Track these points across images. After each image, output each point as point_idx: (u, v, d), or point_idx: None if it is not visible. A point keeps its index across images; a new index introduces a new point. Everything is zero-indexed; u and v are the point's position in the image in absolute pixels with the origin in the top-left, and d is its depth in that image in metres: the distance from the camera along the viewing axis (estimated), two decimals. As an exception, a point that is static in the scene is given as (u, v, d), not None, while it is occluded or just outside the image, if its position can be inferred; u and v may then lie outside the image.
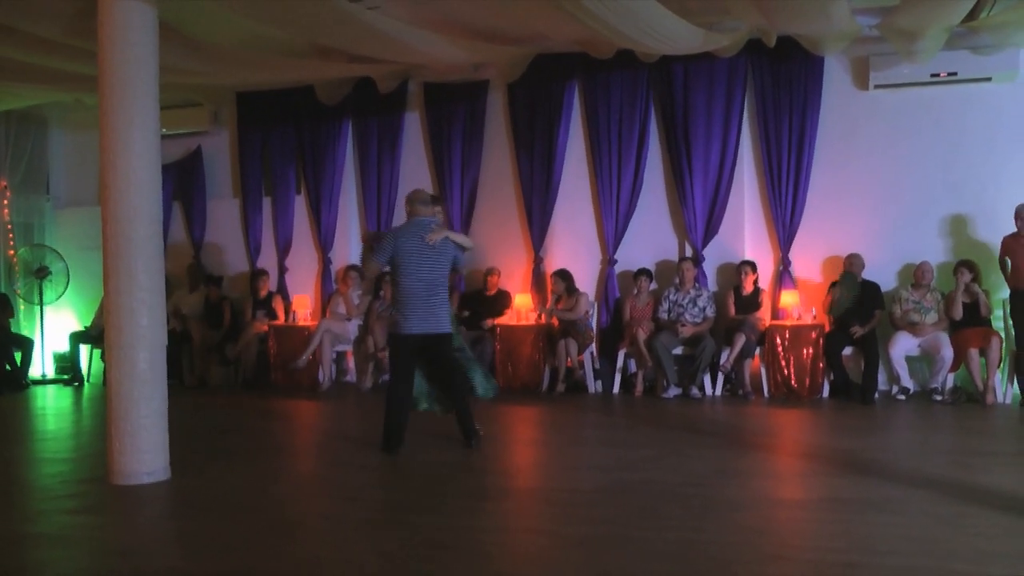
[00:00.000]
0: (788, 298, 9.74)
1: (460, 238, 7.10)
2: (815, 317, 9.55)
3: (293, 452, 7.48)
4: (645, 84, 10.30)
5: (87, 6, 6.60)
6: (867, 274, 9.45)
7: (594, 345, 10.18)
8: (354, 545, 4.55)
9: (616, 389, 9.97)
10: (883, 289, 9.48)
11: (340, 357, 11.10)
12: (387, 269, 6.96)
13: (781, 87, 9.91)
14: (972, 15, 8.41)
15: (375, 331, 10.38)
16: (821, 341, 9.24)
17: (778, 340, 9.35)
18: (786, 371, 9.32)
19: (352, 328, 10.80)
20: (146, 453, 6.01)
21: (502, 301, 10.56)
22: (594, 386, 10.04)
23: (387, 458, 6.73)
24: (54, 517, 5.45)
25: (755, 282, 9.75)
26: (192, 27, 8.18)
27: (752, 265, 9.74)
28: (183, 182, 12.21)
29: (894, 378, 9.20)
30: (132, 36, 6.00)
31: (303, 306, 11.27)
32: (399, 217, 11.17)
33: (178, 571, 4.25)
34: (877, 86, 9.72)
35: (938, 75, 9.49)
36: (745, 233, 10.13)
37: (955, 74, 9.46)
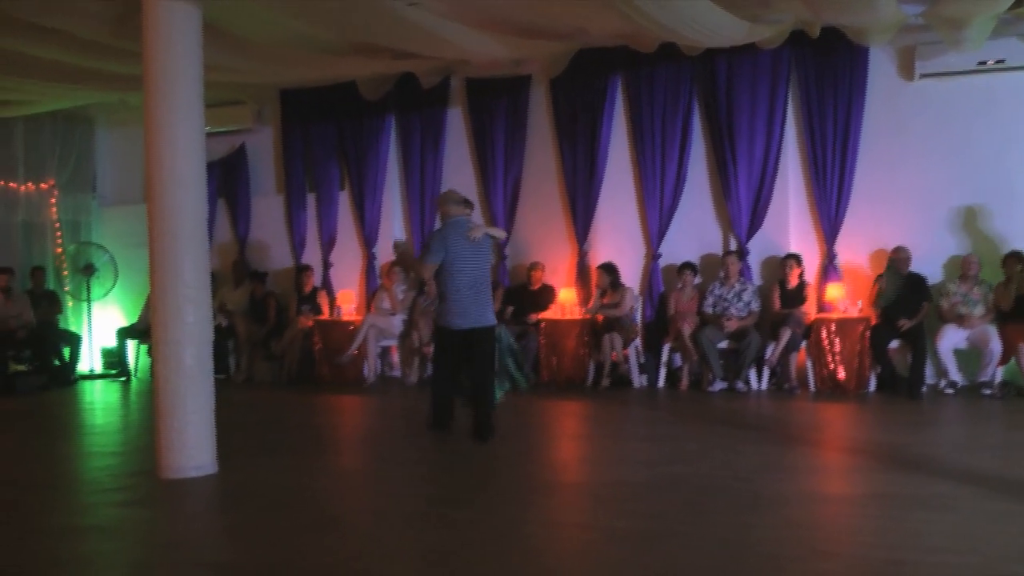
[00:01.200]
0: (834, 291, 9.63)
1: (494, 231, 7.48)
2: (861, 310, 9.44)
3: (338, 447, 7.52)
4: (688, 78, 10.23)
5: (131, 8, 6.67)
6: (914, 266, 9.32)
7: (639, 339, 10.14)
8: (399, 540, 4.57)
9: (661, 383, 9.92)
10: (930, 282, 9.34)
11: (385, 352, 11.13)
12: None
13: (825, 78, 9.79)
14: (1020, 2, 8.25)
15: (420, 326, 10.40)
16: (867, 335, 9.13)
17: (824, 334, 9.25)
18: (832, 365, 9.22)
19: (397, 323, 10.82)
20: (193, 448, 6.07)
21: (546, 296, 10.53)
22: (639, 380, 10.00)
23: (435, 438, 6.96)
24: (104, 510, 5.53)
25: (800, 276, 9.65)
26: (235, 26, 8.23)
27: (797, 258, 9.64)
28: (227, 179, 12.30)
29: (942, 372, 9.09)
30: (176, 36, 6.05)
31: (347, 301, 11.32)
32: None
33: (226, 564, 4.29)
34: (923, 75, 9.57)
35: (985, 63, 9.32)
36: (790, 226, 10.04)
37: (1003, 62, 9.29)
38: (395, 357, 11.25)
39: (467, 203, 7.34)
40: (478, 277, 7.06)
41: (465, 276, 7.00)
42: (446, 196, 7.34)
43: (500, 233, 7.62)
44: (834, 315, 9.42)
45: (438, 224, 7.46)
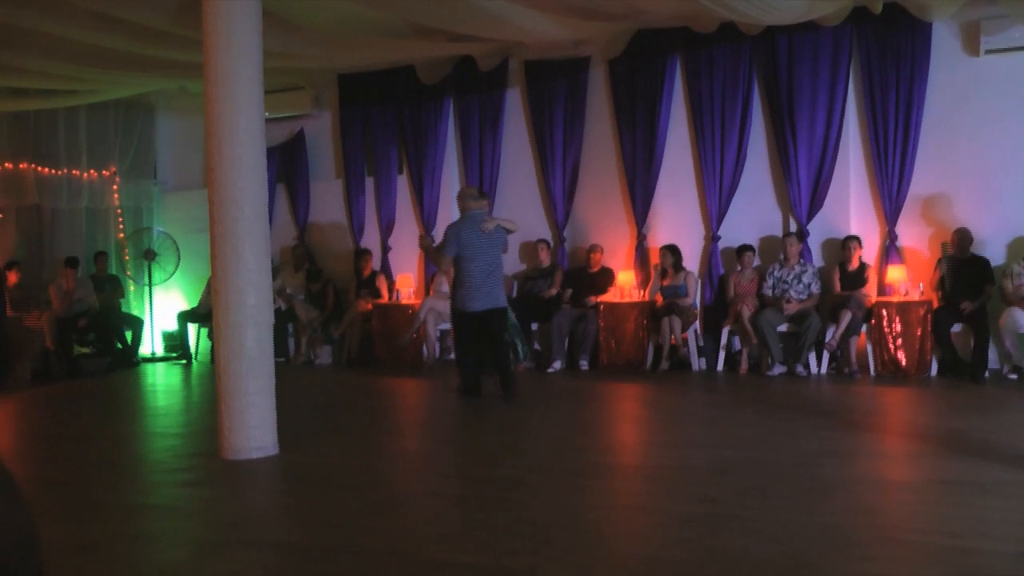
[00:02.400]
0: (895, 273, 9.49)
1: (506, 222, 8.29)
2: (923, 293, 9.29)
3: (397, 429, 7.58)
4: (748, 57, 10.12)
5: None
6: (977, 248, 9.17)
7: (698, 322, 10.09)
8: (459, 522, 4.59)
9: (720, 367, 9.87)
10: (993, 263, 9.16)
11: (443, 335, 11.18)
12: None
13: (888, 55, 9.63)
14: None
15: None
16: (929, 318, 9.00)
17: (885, 317, 9.14)
18: (893, 349, 9.11)
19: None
20: (255, 429, 6.14)
21: (605, 278, 10.51)
22: (698, 364, 9.96)
23: (495, 421, 7.01)
24: (167, 489, 5.63)
25: (861, 257, 9.52)
26: (294, 12, 8.29)
27: (858, 240, 9.51)
28: (286, 164, 12.40)
29: (1005, 356, 8.92)
30: (237, 23, 6.10)
31: (406, 285, 11.38)
32: (501, 194, 11.31)
33: (289, 544, 4.34)
34: (988, 51, 9.37)
35: (1054, 38, 9.10)
36: (850, 207, 9.91)
37: (1072, 36, 9.06)
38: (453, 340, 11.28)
39: (483, 196, 8.39)
40: (491, 264, 8.02)
41: (479, 264, 7.95)
42: (463, 192, 8.45)
43: (512, 226, 8.34)
44: (895, 298, 9.29)
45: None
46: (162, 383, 10.58)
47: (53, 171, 12.12)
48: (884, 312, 9.16)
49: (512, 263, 11.18)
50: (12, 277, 11.33)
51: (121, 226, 12.94)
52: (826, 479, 5.18)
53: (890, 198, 9.67)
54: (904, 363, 9.06)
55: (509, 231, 8.28)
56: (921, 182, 9.63)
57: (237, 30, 6.09)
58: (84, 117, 12.39)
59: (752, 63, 10.15)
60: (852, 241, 9.50)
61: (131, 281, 12.83)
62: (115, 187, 12.79)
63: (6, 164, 11.56)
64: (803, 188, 9.93)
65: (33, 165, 11.90)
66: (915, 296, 9.24)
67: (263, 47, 6.31)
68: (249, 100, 6.17)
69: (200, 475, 5.90)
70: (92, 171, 12.53)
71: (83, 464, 6.30)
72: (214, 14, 6.09)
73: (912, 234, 9.73)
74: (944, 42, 9.58)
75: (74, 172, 12.32)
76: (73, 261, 11.47)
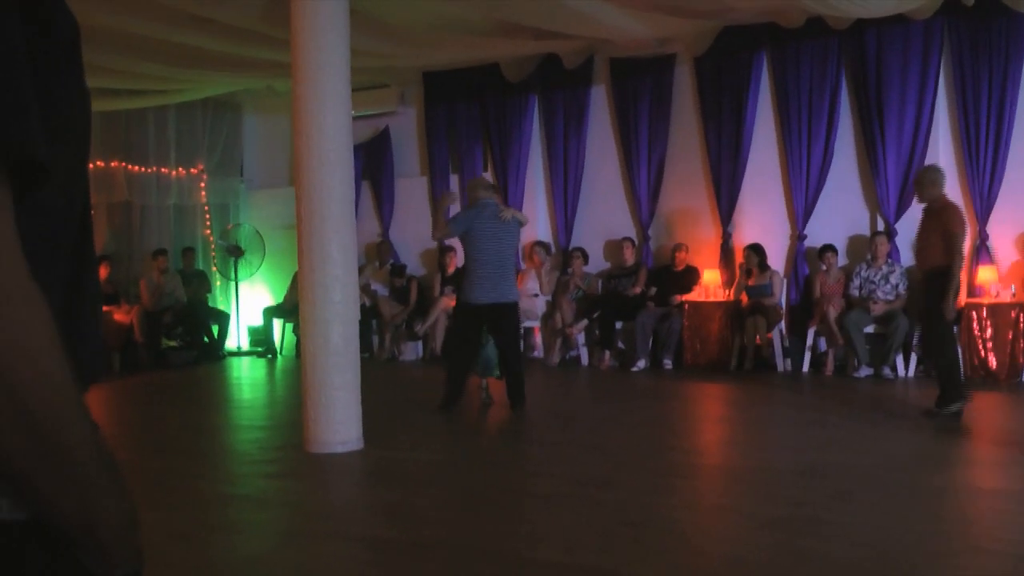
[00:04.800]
0: (985, 274, 9.26)
1: (520, 215, 7.88)
2: (1014, 295, 9.04)
3: (481, 426, 7.59)
4: (836, 52, 9.95)
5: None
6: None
7: (783, 323, 9.95)
8: (544, 520, 4.60)
9: (806, 368, 9.73)
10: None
11: (527, 333, 11.19)
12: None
13: (980, 49, 9.38)
14: None
15: (563, 307, 10.46)
16: (1022, 319, 8.73)
17: (975, 319, 8.90)
18: (983, 352, 8.87)
19: (540, 304, 10.88)
20: (340, 423, 6.22)
21: (690, 277, 10.44)
22: (783, 364, 9.84)
23: (575, 420, 6.79)
24: (254, 481, 5.73)
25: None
26: (381, 10, 8.37)
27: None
28: (371, 161, 12.49)
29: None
30: (324, 23, 6.18)
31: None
32: (586, 193, 11.30)
33: (374, 538, 4.38)
34: (1087, 44, 9.07)
35: None
36: (941, 206, 9.65)
37: None
38: (537, 338, 11.29)
39: (495, 188, 8.10)
40: (503, 256, 7.53)
41: (490, 254, 7.45)
42: (475, 182, 8.02)
43: (524, 218, 7.96)
44: (985, 300, 9.07)
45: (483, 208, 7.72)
46: (247, 377, 10.76)
47: (143, 169, 12.38)
48: (974, 314, 8.94)
49: (597, 261, 11.15)
50: (102, 272, 11.63)
51: (208, 223, 13.21)
52: (915, 485, 5.09)
53: (981, 197, 9.43)
54: (994, 367, 8.83)
55: (522, 223, 7.92)
56: (1013, 180, 9.36)
57: (325, 28, 6.18)
58: (173, 116, 12.63)
59: (840, 58, 9.97)
60: (942, 240, 9.26)
61: (218, 276, 13.08)
62: (202, 184, 13.03)
63: (97, 162, 11.85)
64: (891, 186, 9.73)
65: (123, 163, 12.18)
66: (1006, 298, 9.00)
67: (350, 45, 6.38)
68: (336, 98, 6.25)
69: (286, 467, 6.00)
70: (180, 169, 12.78)
71: (172, 453, 6.44)
72: (302, 13, 6.18)
73: (1003, 234, 9.47)
74: (1040, 35, 9.30)
75: (163, 170, 12.59)
76: (162, 251, 11.74)
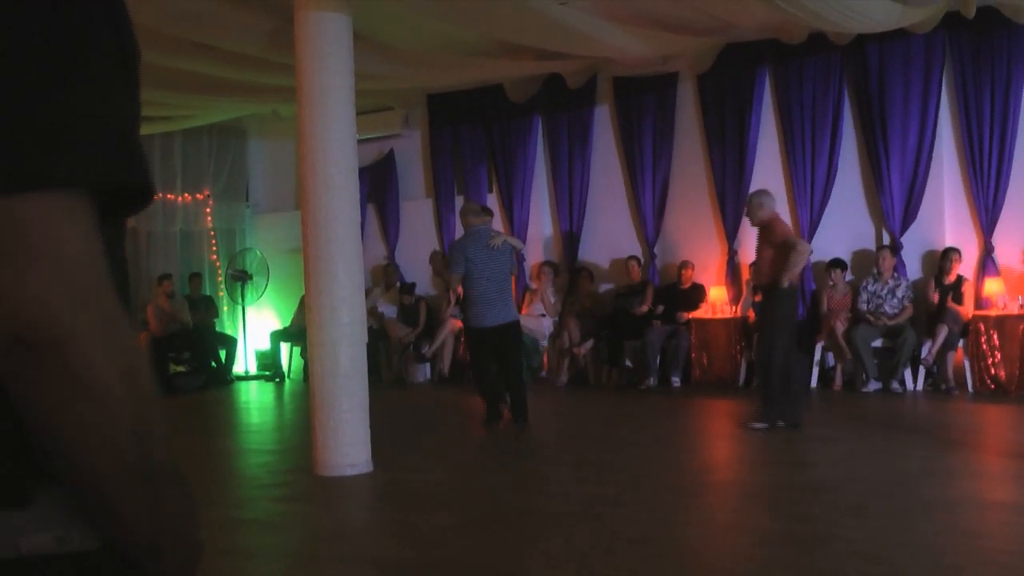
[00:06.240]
0: (993, 286, 9.24)
1: (514, 240, 8.29)
2: (1022, 307, 9.01)
3: (491, 447, 7.59)
4: (838, 67, 9.99)
5: (284, 22, 6.90)
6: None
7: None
8: (553, 539, 4.59)
9: (814, 383, 9.70)
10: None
11: (535, 351, 11.15)
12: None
13: (982, 61, 9.41)
14: None
15: (570, 326, 10.46)
16: (1030, 332, 8.73)
17: (983, 331, 8.88)
18: (991, 364, 8.84)
19: (547, 324, 10.87)
20: (348, 446, 6.21)
21: (697, 294, 10.43)
22: (791, 380, 9.79)
23: (587, 438, 6.81)
24: (263, 504, 5.73)
25: (958, 270, 9.28)
26: (384, 33, 8.42)
27: (958, 252, 9.26)
28: (377, 184, 12.50)
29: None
30: (328, 47, 6.22)
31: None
32: (591, 212, 11.30)
33: (386, 560, 4.38)
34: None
35: None
36: (945, 219, 9.70)
37: None
38: (545, 358, 11.28)
39: (486, 212, 8.22)
40: (499, 279, 7.82)
41: (486, 280, 7.75)
42: (466, 208, 8.26)
43: (518, 244, 8.37)
44: (993, 312, 9.05)
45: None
46: (255, 401, 10.77)
47: (149, 195, 12.44)
48: (982, 326, 8.93)
49: (603, 280, 11.18)
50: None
51: (215, 248, 13.24)
52: (925, 499, 5.08)
53: (986, 209, 9.43)
54: (1003, 379, 8.80)
55: (517, 248, 8.21)
56: (1018, 192, 9.37)
57: (330, 53, 6.21)
58: (179, 142, 12.68)
59: (842, 73, 10.00)
60: (954, 253, 9.25)
61: (225, 301, 13.11)
62: (208, 210, 13.08)
63: (104, 188, 11.88)
64: (896, 200, 9.74)
65: (130, 189, 12.23)
66: (1014, 310, 8.98)
67: (354, 69, 6.42)
68: (341, 122, 6.29)
69: (294, 491, 6.00)
70: (186, 194, 12.84)
71: (183, 472, 6.41)
72: (307, 38, 6.22)
73: (1009, 245, 9.46)
74: (1042, 46, 9.33)
75: (169, 196, 12.64)
76: (167, 276, 11.78)
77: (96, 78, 0.85)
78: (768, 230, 7.39)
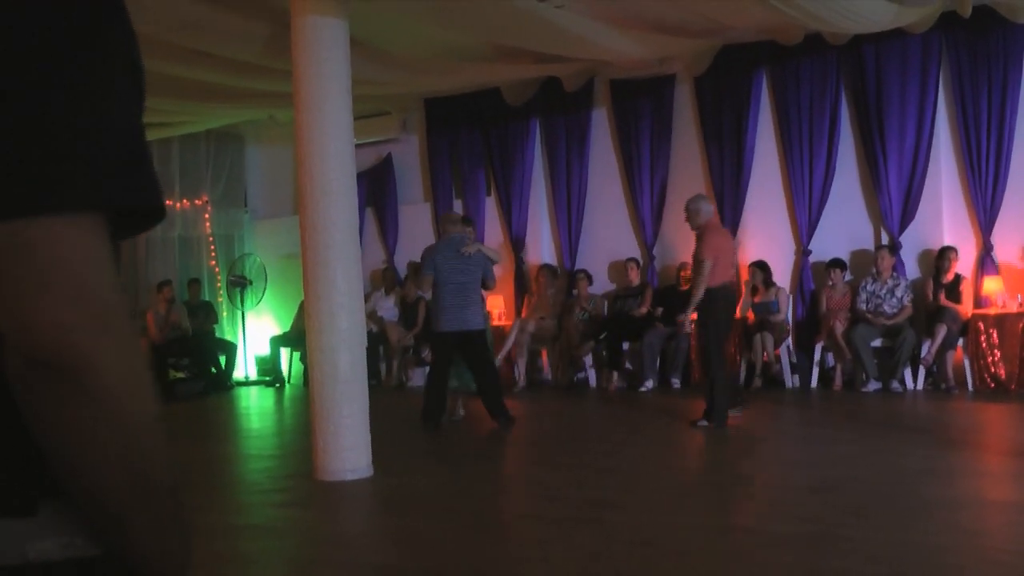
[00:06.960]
0: (991, 285, 9.25)
1: (490, 251, 8.33)
2: (1021, 305, 9.02)
3: (491, 451, 7.59)
4: (835, 68, 9.99)
5: (280, 28, 6.90)
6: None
7: (790, 339, 9.94)
8: (554, 544, 4.58)
9: (814, 383, 9.72)
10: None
11: (534, 355, 11.16)
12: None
13: (979, 61, 9.42)
14: None
15: (569, 329, 10.45)
16: (1029, 330, 8.73)
17: (982, 330, 8.88)
18: (991, 363, 8.84)
19: (548, 327, 10.86)
20: (349, 451, 6.21)
21: (695, 297, 10.40)
22: (791, 380, 9.84)
23: (586, 442, 6.78)
24: (263, 510, 5.72)
25: (956, 269, 9.28)
26: (380, 38, 8.42)
27: (955, 251, 9.26)
28: (375, 189, 12.51)
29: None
30: (325, 52, 6.21)
31: (496, 306, 11.37)
32: (590, 215, 11.32)
33: (386, 566, 4.38)
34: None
35: None
36: (943, 218, 9.70)
37: None
38: (545, 361, 11.28)
39: (465, 221, 8.58)
40: (466, 286, 7.92)
41: (453, 285, 7.87)
42: (444, 217, 8.56)
43: (495, 255, 8.45)
44: (992, 310, 9.06)
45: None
46: (256, 406, 10.76)
47: (147, 201, 12.45)
48: (981, 325, 8.93)
49: (602, 282, 11.16)
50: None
51: (213, 254, 13.24)
52: (927, 499, 5.08)
53: (984, 208, 9.43)
54: (1003, 377, 8.80)
55: (493, 261, 8.26)
56: (1016, 190, 9.37)
57: (327, 58, 6.21)
58: (176, 148, 12.68)
59: (839, 74, 10.01)
60: (951, 251, 9.26)
61: (224, 307, 13.10)
62: (207, 216, 13.09)
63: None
64: (894, 200, 9.74)
65: (128, 196, 12.24)
66: (1013, 308, 8.99)
67: (351, 74, 6.42)
68: (338, 127, 6.28)
69: (295, 496, 5.99)
70: (184, 200, 12.85)
71: (181, 484, 6.41)
72: (304, 43, 6.21)
73: (1008, 244, 9.46)
74: (1038, 44, 9.33)
75: (167, 202, 12.60)
76: (167, 282, 11.78)
77: (112, 95, 0.85)
78: (699, 239, 7.53)
